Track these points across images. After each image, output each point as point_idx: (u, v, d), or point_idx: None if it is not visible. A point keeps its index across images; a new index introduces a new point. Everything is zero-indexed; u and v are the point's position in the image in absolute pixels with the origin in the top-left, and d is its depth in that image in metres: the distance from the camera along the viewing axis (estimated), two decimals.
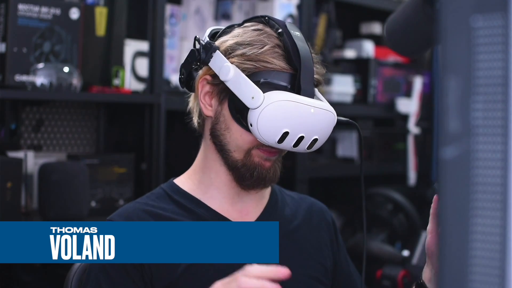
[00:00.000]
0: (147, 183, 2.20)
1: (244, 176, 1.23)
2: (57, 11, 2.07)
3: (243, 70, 1.17)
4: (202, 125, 1.28)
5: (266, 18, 1.25)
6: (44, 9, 2.04)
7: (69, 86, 2.03)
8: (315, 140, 1.19)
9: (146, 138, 2.25)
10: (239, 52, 1.19)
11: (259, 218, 1.29)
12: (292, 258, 1.28)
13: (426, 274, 1.19)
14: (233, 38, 1.22)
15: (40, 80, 2.00)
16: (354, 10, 3.08)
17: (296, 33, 1.23)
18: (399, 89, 3.09)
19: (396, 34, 1.38)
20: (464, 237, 0.51)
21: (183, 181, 1.30)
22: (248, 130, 1.18)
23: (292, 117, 1.15)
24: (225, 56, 1.19)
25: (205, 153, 1.28)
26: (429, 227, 1.18)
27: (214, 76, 1.21)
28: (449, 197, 0.52)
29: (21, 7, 1.99)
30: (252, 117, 1.15)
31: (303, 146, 1.19)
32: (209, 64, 1.19)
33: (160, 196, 1.28)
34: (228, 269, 1.13)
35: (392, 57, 3.07)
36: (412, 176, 3.01)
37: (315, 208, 1.39)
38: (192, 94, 1.29)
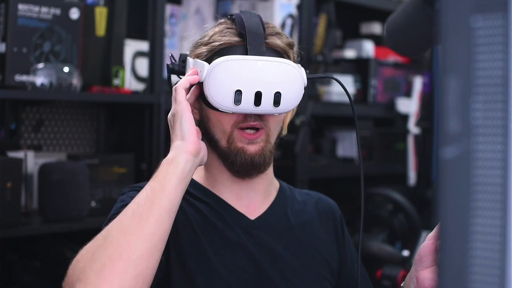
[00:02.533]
0: None
1: (231, 163, 1.24)
2: (57, 11, 2.07)
3: (199, 57, 1.24)
4: (202, 131, 1.30)
5: (229, 15, 1.31)
6: (44, 9, 2.04)
7: (69, 86, 2.03)
8: (278, 94, 1.18)
9: (146, 138, 2.25)
10: (196, 45, 1.27)
11: (265, 213, 1.30)
12: (300, 253, 1.29)
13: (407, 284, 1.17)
14: (195, 38, 1.30)
15: (40, 80, 2.00)
16: (354, 10, 3.08)
17: (249, 15, 1.25)
18: (399, 89, 3.09)
19: (396, 34, 1.38)
20: (464, 237, 0.51)
21: (195, 173, 1.31)
22: (217, 109, 1.21)
23: (239, 75, 1.17)
24: (190, 57, 1.27)
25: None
26: (431, 234, 1.17)
27: None
28: (449, 197, 0.52)
29: (21, 7, 1.99)
30: (205, 88, 1.19)
31: (267, 104, 1.18)
32: (185, 73, 1.25)
33: None
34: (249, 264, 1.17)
35: (392, 57, 3.07)
36: (412, 176, 3.01)
37: (322, 204, 1.39)
38: None
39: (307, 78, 1.23)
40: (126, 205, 1.12)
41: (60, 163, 2.13)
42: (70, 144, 2.38)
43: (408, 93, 3.09)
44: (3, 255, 2.18)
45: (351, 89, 2.86)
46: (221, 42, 1.22)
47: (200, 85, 1.22)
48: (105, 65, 2.21)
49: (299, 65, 1.24)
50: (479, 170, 0.51)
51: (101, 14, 2.20)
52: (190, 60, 1.24)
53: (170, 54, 1.29)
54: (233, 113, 1.20)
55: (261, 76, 1.17)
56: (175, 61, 1.27)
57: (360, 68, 2.97)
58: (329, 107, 2.73)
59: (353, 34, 3.19)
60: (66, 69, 2.04)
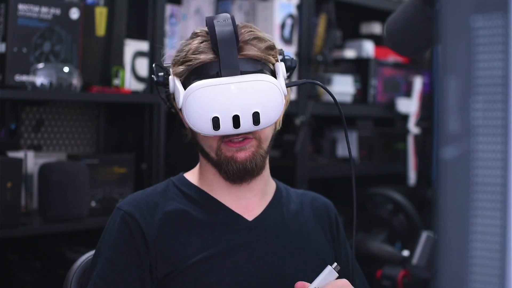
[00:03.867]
0: (147, 183, 2.20)
1: (225, 171, 1.24)
2: (57, 11, 2.07)
3: (178, 76, 1.22)
4: (193, 141, 1.31)
5: (206, 20, 1.27)
6: (44, 9, 2.04)
7: (69, 86, 2.03)
8: (256, 113, 1.16)
9: (146, 138, 2.25)
10: (174, 61, 1.25)
11: (262, 214, 1.30)
12: (297, 253, 1.29)
13: None
14: (174, 52, 1.28)
15: (40, 80, 2.00)
16: (354, 10, 3.08)
17: (221, 21, 1.20)
18: (399, 89, 3.09)
19: (396, 34, 1.38)
20: (464, 237, 0.51)
21: (192, 175, 1.33)
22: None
23: (214, 101, 1.15)
24: (171, 71, 1.25)
25: (200, 160, 1.32)
26: None
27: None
28: (449, 197, 0.52)
29: (21, 7, 1.99)
30: (183, 116, 1.19)
31: (247, 124, 1.16)
32: (167, 86, 1.24)
33: (169, 186, 1.31)
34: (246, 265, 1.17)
35: (392, 57, 3.07)
36: (412, 176, 3.01)
37: (318, 203, 1.39)
38: None
39: (287, 86, 1.22)
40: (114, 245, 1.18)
41: (60, 163, 2.13)
42: (70, 144, 2.38)
43: (408, 93, 3.09)
44: (3, 255, 2.18)
45: (351, 89, 2.86)
46: (198, 61, 1.20)
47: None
48: (105, 65, 2.21)
49: (282, 67, 1.22)
50: (479, 170, 0.51)
51: (101, 14, 2.20)
52: (170, 77, 1.23)
53: (153, 65, 1.27)
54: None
55: (236, 99, 1.15)
56: (160, 73, 1.26)
57: (360, 68, 2.97)
58: (329, 107, 2.73)
59: (353, 34, 3.19)
60: (66, 69, 2.04)
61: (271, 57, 1.23)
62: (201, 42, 1.22)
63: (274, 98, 1.18)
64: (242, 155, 1.22)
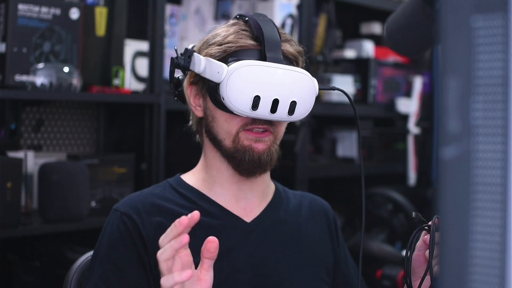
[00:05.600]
0: (147, 183, 2.20)
1: (239, 161, 1.23)
2: (57, 11, 2.07)
3: (212, 57, 1.22)
4: (200, 132, 1.30)
5: (237, 16, 1.30)
6: (44, 9, 2.04)
7: (69, 86, 2.03)
8: (294, 103, 1.19)
9: (146, 138, 2.25)
10: (208, 44, 1.25)
11: (261, 215, 1.29)
12: (295, 255, 1.29)
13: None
14: (205, 37, 1.28)
15: (40, 80, 2.00)
16: (354, 10, 3.08)
17: (263, 18, 1.25)
18: (399, 89, 3.09)
19: (396, 34, 1.38)
20: (464, 237, 0.51)
21: (189, 177, 1.32)
22: (230, 112, 1.20)
23: (259, 80, 1.17)
24: (200, 54, 1.24)
25: (205, 154, 1.30)
26: (419, 243, 1.20)
27: (195, 75, 1.25)
28: (449, 197, 0.52)
29: (21, 7, 1.99)
30: (222, 90, 1.18)
31: (282, 112, 1.19)
32: (190, 68, 1.22)
33: (166, 188, 1.30)
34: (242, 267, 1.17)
35: (392, 57, 3.07)
36: (412, 176, 3.01)
37: (316, 205, 1.39)
38: (191, 113, 1.33)
39: (319, 89, 1.26)
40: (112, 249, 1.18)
41: (60, 163, 2.13)
42: (70, 144, 2.38)
43: (408, 93, 3.09)
44: (3, 255, 2.18)
45: (351, 89, 2.86)
46: (238, 45, 1.21)
47: (210, 84, 1.21)
48: (105, 65, 2.21)
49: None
50: (479, 170, 0.51)
51: (101, 14, 2.20)
52: (200, 57, 1.21)
53: (175, 48, 1.27)
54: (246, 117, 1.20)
55: (279, 84, 1.18)
56: (181, 55, 1.24)
57: (360, 68, 2.97)
58: (329, 107, 2.73)
59: (353, 34, 3.19)
60: (66, 69, 2.04)
61: (300, 61, 1.28)
62: (241, 30, 1.24)
63: (310, 92, 1.22)
64: (260, 146, 1.22)
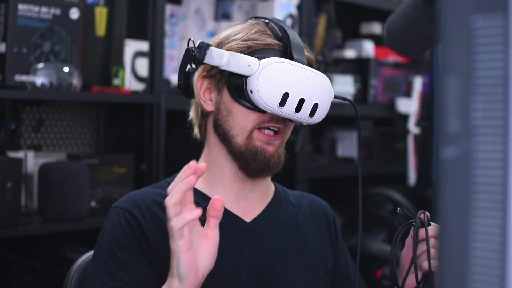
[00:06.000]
0: (147, 183, 2.20)
1: (248, 161, 1.23)
2: (57, 11, 2.07)
3: (236, 52, 1.22)
4: (204, 126, 1.29)
5: (252, 18, 1.31)
6: (44, 9, 2.04)
7: (69, 86, 2.03)
8: (316, 105, 1.21)
9: (146, 138, 2.25)
10: (230, 39, 1.25)
11: (261, 215, 1.29)
12: (295, 255, 1.29)
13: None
14: (224, 33, 1.29)
15: (40, 80, 2.00)
16: (354, 10, 3.08)
17: (283, 23, 1.27)
18: (399, 89, 3.09)
19: (396, 34, 1.38)
20: (464, 237, 0.51)
21: None
22: (249, 107, 1.21)
23: (290, 78, 1.19)
24: (220, 47, 1.24)
25: (209, 150, 1.29)
26: (408, 240, 1.21)
27: (210, 69, 1.25)
28: (449, 197, 0.52)
29: (21, 7, 1.99)
30: (251, 83, 1.19)
31: (305, 112, 1.20)
32: (204, 61, 1.21)
33: (166, 187, 1.29)
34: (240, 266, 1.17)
35: (392, 57, 3.07)
36: (412, 176, 3.01)
37: (315, 206, 1.39)
38: (192, 107, 1.32)
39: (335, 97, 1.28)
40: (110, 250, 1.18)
41: (60, 163, 2.13)
42: (70, 144, 2.38)
43: (408, 93, 3.09)
44: (3, 255, 2.18)
45: (351, 89, 2.86)
46: (264, 42, 1.23)
47: (231, 78, 1.22)
48: (105, 65, 2.21)
49: None
50: (479, 170, 0.51)
51: (101, 14, 2.20)
52: (221, 51, 1.20)
53: (191, 39, 1.25)
54: (270, 113, 1.21)
55: (306, 84, 1.20)
56: (197, 47, 1.22)
57: (360, 68, 2.97)
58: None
59: (353, 34, 3.19)
60: (66, 69, 2.04)
61: (314, 66, 1.28)
62: (263, 29, 1.25)
63: (329, 97, 1.25)
64: (270, 149, 1.23)
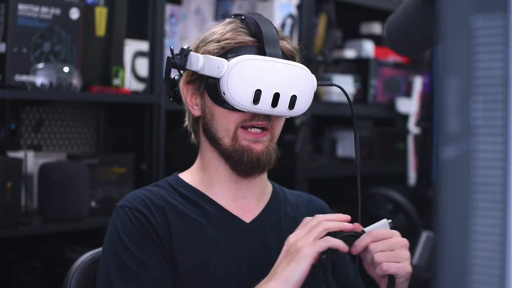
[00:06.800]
0: (147, 183, 2.19)
1: (237, 161, 1.23)
2: (57, 11, 2.07)
3: (210, 54, 1.22)
4: (197, 131, 1.30)
5: (232, 15, 1.30)
6: (44, 9, 2.04)
7: (69, 86, 2.03)
8: (294, 97, 1.19)
9: (146, 138, 2.25)
10: (205, 42, 1.25)
11: (260, 215, 1.29)
12: None
13: None
14: (202, 36, 1.28)
15: (40, 80, 2.00)
16: (354, 10, 3.08)
17: (259, 17, 1.26)
18: (399, 89, 3.09)
19: (396, 34, 1.38)
20: (464, 237, 0.51)
21: (188, 176, 1.31)
22: (228, 108, 1.20)
23: (260, 75, 1.17)
24: (196, 52, 1.24)
25: (203, 153, 1.30)
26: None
27: (192, 74, 1.25)
28: (449, 197, 0.52)
29: (21, 7, 1.99)
30: (222, 85, 1.18)
31: (283, 106, 1.19)
32: (187, 67, 1.22)
33: (166, 187, 1.30)
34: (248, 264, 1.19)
35: (392, 57, 3.07)
36: (412, 176, 3.01)
37: (314, 205, 1.39)
38: (186, 113, 1.32)
39: (318, 85, 1.26)
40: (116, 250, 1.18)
41: (60, 163, 2.13)
42: (70, 144, 2.38)
43: (408, 93, 3.09)
44: (3, 255, 2.18)
45: (351, 89, 2.86)
46: (237, 41, 1.22)
47: (208, 81, 1.21)
48: (105, 65, 2.21)
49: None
50: (479, 170, 0.51)
51: (101, 14, 2.20)
52: (197, 55, 1.21)
53: (170, 47, 1.26)
54: (247, 112, 1.20)
55: (280, 77, 1.19)
56: (177, 54, 1.24)
57: (360, 68, 2.97)
58: (329, 107, 2.73)
59: (353, 34, 3.19)
60: (66, 69, 2.04)
61: (297, 59, 1.27)
62: (238, 27, 1.24)
63: (310, 87, 1.23)
64: (258, 147, 1.22)
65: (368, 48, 3.00)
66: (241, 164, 1.23)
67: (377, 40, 3.10)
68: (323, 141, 2.94)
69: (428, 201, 2.95)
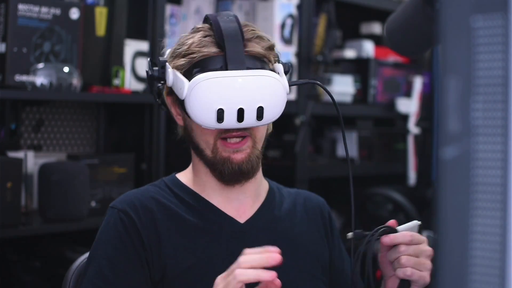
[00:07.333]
0: (147, 183, 2.19)
1: (220, 172, 1.23)
2: (57, 11, 2.07)
3: (178, 69, 1.20)
4: (186, 139, 1.30)
5: (206, 16, 1.27)
6: (44, 9, 2.04)
7: (69, 86, 2.03)
8: (261, 108, 1.16)
9: (146, 138, 2.25)
10: (174, 55, 1.23)
11: (254, 216, 1.29)
12: (291, 255, 1.28)
13: None
14: (175, 45, 1.26)
15: (40, 80, 2.00)
16: (354, 10, 3.08)
17: (226, 19, 1.22)
18: (399, 89, 3.09)
19: (396, 34, 1.38)
20: (464, 237, 0.51)
21: (185, 176, 1.32)
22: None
23: (220, 93, 1.15)
24: (169, 65, 1.22)
25: (193, 158, 1.30)
26: (381, 246, 1.21)
27: (170, 87, 1.24)
28: (449, 197, 0.52)
29: (21, 7, 1.99)
30: (186, 106, 1.17)
31: (250, 118, 1.16)
32: (165, 79, 1.22)
33: (162, 187, 1.30)
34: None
35: (392, 57, 3.07)
36: (412, 176, 3.01)
37: (310, 201, 1.38)
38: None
39: (290, 85, 1.22)
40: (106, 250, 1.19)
41: (60, 163, 2.13)
42: (70, 144, 2.38)
43: (408, 93, 3.09)
44: (3, 255, 2.18)
45: (351, 89, 2.86)
46: (201, 54, 1.19)
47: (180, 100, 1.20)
48: (105, 65, 2.21)
49: (281, 68, 1.22)
50: (479, 170, 0.51)
51: (101, 14, 2.20)
52: (169, 70, 1.21)
53: (148, 59, 1.26)
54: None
55: (242, 92, 1.15)
56: (155, 67, 1.23)
57: (360, 68, 2.97)
58: (329, 107, 2.73)
59: (353, 34, 3.19)
60: (66, 69, 2.04)
61: (271, 57, 1.24)
62: (205, 36, 1.21)
63: (279, 94, 1.18)
64: (238, 156, 1.21)
65: (368, 48, 3.00)
66: (224, 175, 1.23)
67: (377, 40, 3.10)
68: (323, 141, 2.94)
69: (428, 201, 2.95)
